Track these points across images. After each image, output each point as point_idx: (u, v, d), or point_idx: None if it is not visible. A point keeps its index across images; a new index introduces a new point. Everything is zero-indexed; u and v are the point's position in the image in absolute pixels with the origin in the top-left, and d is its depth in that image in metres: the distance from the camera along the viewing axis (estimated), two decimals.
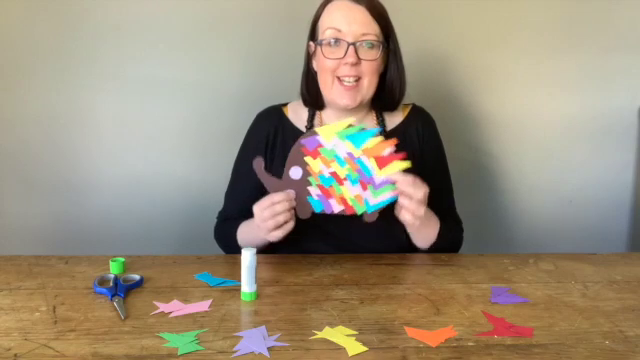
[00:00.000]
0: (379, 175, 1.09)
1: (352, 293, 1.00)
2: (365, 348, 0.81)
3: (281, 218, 1.09)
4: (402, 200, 1.08)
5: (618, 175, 1.79)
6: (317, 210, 1.13)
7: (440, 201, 1.24)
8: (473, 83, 1.70)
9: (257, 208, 1.10)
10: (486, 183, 1.76)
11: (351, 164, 1.10)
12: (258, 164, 1.13)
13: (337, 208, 1.12)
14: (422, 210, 1.08)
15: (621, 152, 1.78)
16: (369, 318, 0.91)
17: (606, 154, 1.78)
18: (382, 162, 1.09)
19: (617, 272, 1.13)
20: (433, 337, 0.85)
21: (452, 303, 0.97)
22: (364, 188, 1.10)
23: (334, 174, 1.11)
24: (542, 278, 1.10)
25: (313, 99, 1.27)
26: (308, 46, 1.25)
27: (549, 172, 1.76)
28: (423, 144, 1.30)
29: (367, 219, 1.12)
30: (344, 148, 1.10)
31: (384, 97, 1.26)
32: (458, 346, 0.83)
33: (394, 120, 1.30)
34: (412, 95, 1.30)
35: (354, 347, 0.81)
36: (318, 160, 1.11)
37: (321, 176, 1.11)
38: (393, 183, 1.08)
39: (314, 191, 1.12)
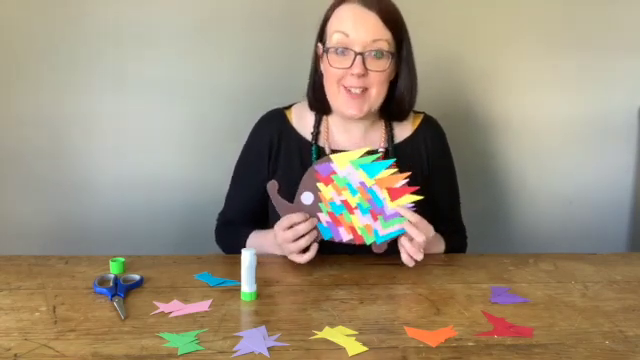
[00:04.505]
0: (391, 207, 1.08)
1: (352, 293, 1.00)
2: (365, 348, 0.81)
3: (303, 242, 1.08)
4: (404, 241, 1.08)
5: (618, 175, 1.79)
6: (326, 237, 1.12)
7: (446, 211, 1.23)
8: (473, 84, 1.69)
9: (278, 228, 1.10)
10: (486, 183, 1.75)
11: (363, 194, 1.08)
12: (272, 187, 1.13)
13: (346, 237, 1.11)
14: (420, 256, 1.08)
15: (621, 152, 1.78)
16: (369, 318, 0.91)
17: (606, 154, 1.77)
18: (394, 194, 1.08)
19: (617, 272, 1.13)
20: (433, 337, 0.85)
21: (452, 303, 0.97)
22: (374, 218, 1.09)
23: (345, 202, 1.09)
24: (542, 278, 1.10)
25: (319, 103, 1.22)
26: (316, 47, 1.20)
27: (549, 172, 1.76)
28: (432, 158, 1.26)
29: (375, 250, 1.11)
30: (357, 177, 1.08)
31: (392, 106, 1.20)
32: (458, 346, 0.83)
33: (403, 131, 1.25)
34: None
35: (354, 347, 0.82)
36: (330, 187, 1.09)
37: (332, 203, 1.10)
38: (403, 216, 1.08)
39: (324, 218, 1.11)
